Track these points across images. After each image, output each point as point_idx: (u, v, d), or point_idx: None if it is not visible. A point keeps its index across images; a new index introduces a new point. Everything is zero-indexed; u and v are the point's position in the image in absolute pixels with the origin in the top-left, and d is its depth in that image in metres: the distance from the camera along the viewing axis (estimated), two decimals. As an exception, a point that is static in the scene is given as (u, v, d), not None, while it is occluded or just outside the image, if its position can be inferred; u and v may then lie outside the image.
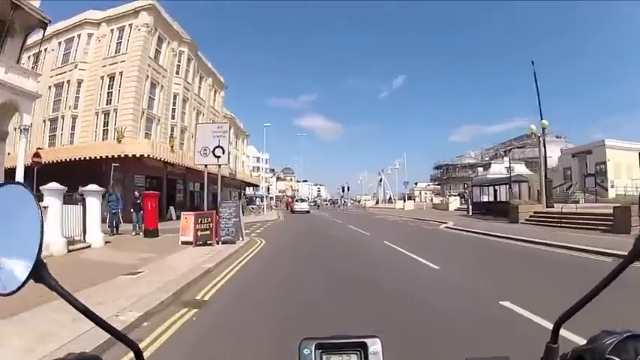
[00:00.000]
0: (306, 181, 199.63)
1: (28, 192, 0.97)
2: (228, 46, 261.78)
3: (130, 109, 39.30)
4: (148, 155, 35.19)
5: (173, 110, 47.36)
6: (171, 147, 41.48)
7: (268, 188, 78.59)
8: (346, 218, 43.86)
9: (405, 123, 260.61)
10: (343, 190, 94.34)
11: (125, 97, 39.64)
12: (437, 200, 77.16)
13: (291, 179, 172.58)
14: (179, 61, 48.47)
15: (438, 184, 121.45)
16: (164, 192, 37.83)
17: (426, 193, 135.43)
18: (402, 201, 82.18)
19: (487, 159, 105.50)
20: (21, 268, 0.91)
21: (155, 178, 40.26)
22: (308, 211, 59.12)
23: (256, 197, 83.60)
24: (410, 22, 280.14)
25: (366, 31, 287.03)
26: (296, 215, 53.90)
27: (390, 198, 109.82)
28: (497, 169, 75.20)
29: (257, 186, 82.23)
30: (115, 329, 1.02)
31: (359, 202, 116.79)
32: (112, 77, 40.70)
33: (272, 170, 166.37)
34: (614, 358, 0.86)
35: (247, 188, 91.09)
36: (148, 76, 41.68)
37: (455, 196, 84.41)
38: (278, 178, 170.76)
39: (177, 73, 47.88)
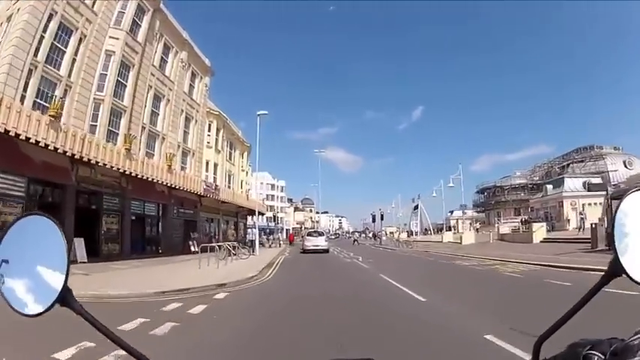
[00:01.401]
0: (326, 212, 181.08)
1: (52, 222, 1.01)
2: (250, 75, 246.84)
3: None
4: None
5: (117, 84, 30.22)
6: (127, 149, 27.69)
7: (275, 217, 57.65)
8: (415, 274, 18.83)
9: (425, 154, 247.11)
10: (374, 220, 72.20)
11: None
12: (502, 229, 55.95)
13: (310, 210, 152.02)
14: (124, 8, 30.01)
15: (481, 211, 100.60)
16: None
17: (463, 222, 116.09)
18: (445, 232, 63.59)
19: (536, 178, 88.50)
20: (48, 293, 0.97)
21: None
22: (326, 250, 37.63)
23: (267, 229, 63.85)
24: (428, 52, 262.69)
25: (384, 63, 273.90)
26: (305, 259, 30.22)
27: (426, 229, 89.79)
28: (573, 185, 64.12)
29: (262, 214, 62.28)
30: (132, 347, 1.03)
31: (391, 234, 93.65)
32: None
33: (290, 200, 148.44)
34: (593, 352, 0.88)
35: (250, 217, 71.78)
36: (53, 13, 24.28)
37: (513, 222, 67.65)
38: (296, 209, 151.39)
39: (119, 24, 29.83)
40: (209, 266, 19.93)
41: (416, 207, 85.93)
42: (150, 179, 29.23)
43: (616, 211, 0.94)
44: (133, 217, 31.36)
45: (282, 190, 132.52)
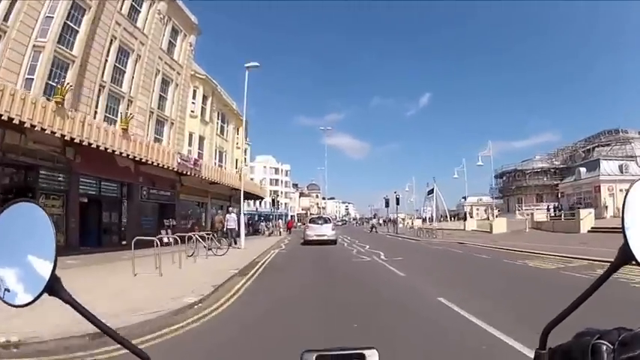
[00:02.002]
0: (333, 198, 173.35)
1: (41, 210, 1.00)
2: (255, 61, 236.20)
3: None
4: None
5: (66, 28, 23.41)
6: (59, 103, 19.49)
7: (274, 202, 50.19)
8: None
9: (431, 141, 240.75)
10: (387, 205, 61.39)
11: None
12: (537, 217, 48.46)
13: (316, 196, 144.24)
14: None
15: (500, 197, 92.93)
16: None
17: (477, 209, 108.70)
18: (468, 219, 59.02)
19: (557, 163, 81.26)
20: (36, 282, 0.94)
21: None
22: (333, 242, 29.33)
23: (259, 216, 56.57)
24: (434, 41, 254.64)
25: (393, 50, 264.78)
26: (305, 256, 21.68)
27: (442, 216, 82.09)
28: (609, 168, 58.36)
29: (261, 198, 54.83)
30: (127, 341, 1.01)
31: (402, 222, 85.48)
32: None
33: (295, 185, 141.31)
34: (601, 342, 0.85)
35: (251, 202, 64.48)
36: None
37: (540, 209, 61.32)
38: (302, 194, 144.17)
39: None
40: (151, 273, 12.45)
41: (430, 191, 77.71)
42: (107, 150, 21.90)
43: (625, 198, 0.91)
44: (85, 200, 24.04)
45: (286, 175, 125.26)
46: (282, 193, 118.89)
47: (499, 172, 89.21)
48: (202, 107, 38.75)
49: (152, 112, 31.77)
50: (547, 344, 1.00)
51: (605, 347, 0.84)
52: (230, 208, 32.42)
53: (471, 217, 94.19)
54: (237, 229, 26.33)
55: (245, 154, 58.33)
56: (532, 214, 51.98)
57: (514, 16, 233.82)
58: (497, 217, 71.88)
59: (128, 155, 24.08)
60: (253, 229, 54.98)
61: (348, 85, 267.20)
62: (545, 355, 0.99)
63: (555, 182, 77.63)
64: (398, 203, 54.97)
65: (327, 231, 29.60)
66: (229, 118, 46.43)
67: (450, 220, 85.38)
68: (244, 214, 30.85)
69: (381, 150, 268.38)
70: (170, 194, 32.87)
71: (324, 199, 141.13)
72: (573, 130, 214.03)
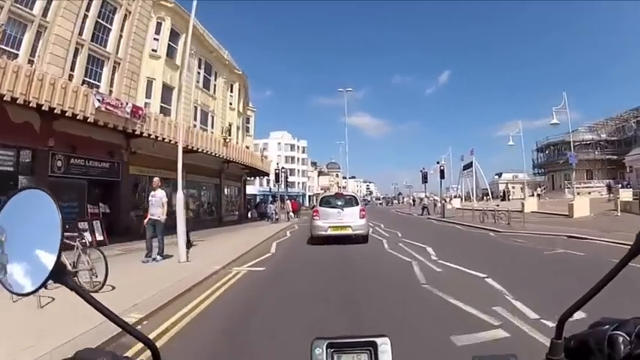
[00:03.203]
0: (354, 177, 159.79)
1: (48, 196, 0.95)
2: (274, 46, 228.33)
3: None
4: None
5: None
6: None
7: (278, 176, 37.12)
8: None
9: (451, 119, 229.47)
10: (424, 180, 47.06)
11: None
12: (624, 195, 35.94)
13: (336, 175, 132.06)
14: None
15: (542, 173, 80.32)
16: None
17: (513, 187, 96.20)
18: (527, 197, 44.51)
19: (604, 135, 69.73)
20: (41, 269, 0.91)
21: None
22: (363, 237, 16.25)
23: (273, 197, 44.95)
24: (452, 16, 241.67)
25: (409, 26, 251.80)
26: (311, 279, 9.67)
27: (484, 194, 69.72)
28: None
29: (266, 174, 43.18)
30: (134, 328, 1.00)
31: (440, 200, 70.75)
32: None
33: (314, 164, 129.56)
34: (618, 332, 0.84)
35: (255, 179, 53.56)
36: None
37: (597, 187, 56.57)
38: (320, 173, 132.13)
39: None
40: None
41: (467, 166, 64.94)
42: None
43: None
44: None
45: (303, 151, 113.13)
46: (298, 171, 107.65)
47: (542, 145, 76.23)
48: (171, 46, 27.11)
49: (81, 45, 20.60)
50: (562, 334, 0.95)
51: (622, 338, 0.81)
52: (156, 179, 20.18)
53: (508, 196, 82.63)
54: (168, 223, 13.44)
55: (248, 123, 46.64)
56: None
57: None
58: (539, 195, 60.90)
59: (28, 103, 14.97)
60: (259, 213, 43.78)
61: (366, 62, 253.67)
62: (560, 345, 0.94)
63: (606, 156, 66.64)
64: (443, 177, 41.23)
65: (352, 219, 16.19)
66: (218, 69, 34.51)
67: (486, 199, 74.02)
68: (259, 196, 19.03)
69: (401, 128, 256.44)
70: (110, 166, 21.55)
71: (344, 178, 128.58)
72: (593, 109, 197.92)
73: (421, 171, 45.70)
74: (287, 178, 42.43)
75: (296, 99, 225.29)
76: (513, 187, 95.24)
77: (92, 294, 0.95)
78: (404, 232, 20.71)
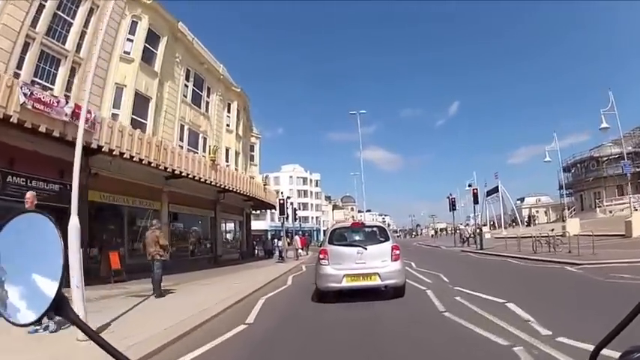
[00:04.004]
0: (369, 210, 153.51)
1: (49, 221, 0.92)
2: (285, 84, 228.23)
3: None
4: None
5: None
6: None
7: (282, 208, 29.84)
8: None
9: (463, 149, 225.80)
10: (452, 207, 40.03)
11: None
12: None
13: (352, 209, 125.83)
14: None
15: (569, 194, 73.77)
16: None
17: (537, 211, 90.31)
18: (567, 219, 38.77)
19: (630, 148, 59.14)
20: (41, 299, 0.87)
21: None
22: (399, 290, 10.10)
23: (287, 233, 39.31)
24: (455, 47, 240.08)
25: (417, 60, 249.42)
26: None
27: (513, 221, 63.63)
28: None
29: (273, 207, 37.10)
30: None
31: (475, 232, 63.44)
32: None
33: (328, 198, 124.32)
34: None
35: (267, 213, 48.62)
36: None
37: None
38: (335, 207, 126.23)
39: None
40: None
41: (490, 191, 58.08)
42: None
43: None
44: None
45: (316, 185, 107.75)
46: (312, 205, 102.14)
47: (568, 164, 69.95)
48: (148, 50, 22.06)
49: (32, 39, 16.17)
50: None
51: None
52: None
53: (534, 220, 76.40)
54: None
55: (252, 151, 41.29)
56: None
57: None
58: (571, 216, 54.82)
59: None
60: (265, 251, 38.03)
61: (377, 98, 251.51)
62: None
63: (637, 169, 58.97)
64: (477, 201, 34.16)
65: (380, 263, 9.97)
66: (212, 84, 29.39)
67: (510, 226, 68.01)
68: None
69: (415, 160, 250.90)
70: (62, 189, 15.75)
71: (360, 211, 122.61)
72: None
73: (448, 197, 39.55)
74: (295, 210, 36.73)
75: (308, 136, 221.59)
76: (537, 212, 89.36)
77: None
78: (447, 273, 14.75)
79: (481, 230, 30.30)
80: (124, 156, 16.55)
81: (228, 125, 31.45)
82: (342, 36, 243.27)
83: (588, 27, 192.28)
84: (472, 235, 32.04)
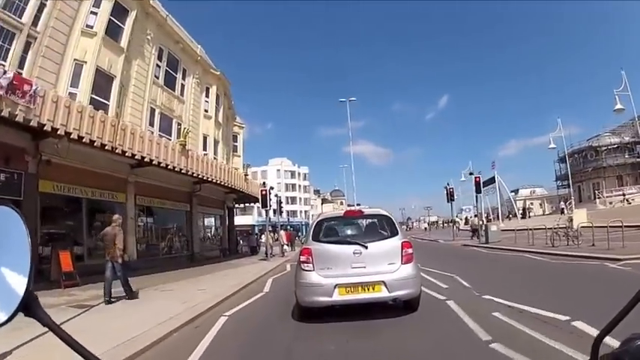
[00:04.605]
0: (359, 204, 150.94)
1: (17, 214, 0.87)
2: (274, 79, 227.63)
3: None
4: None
5: None
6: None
7: (264, 200, 26.64)
8: None
9: (454, 143, 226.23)
10: (450, 198, 37.66)
11: None
12: None
13: (341, 202, 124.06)
14: None
15: (565, 185, 72.21)
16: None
17: (532, 203, 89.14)
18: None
19: (627, 138, 60.45)
20: (9, 300, 0.81)
21: None
22: (412, 306, 7.70)
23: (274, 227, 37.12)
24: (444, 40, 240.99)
25: (407, 53, 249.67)
26: None
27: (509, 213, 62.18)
28: None
29: (257, 200, 34.67)
30: None
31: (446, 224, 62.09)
32: None
33: (317, 192, 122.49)
34: None
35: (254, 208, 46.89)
36: None
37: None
38: (324, 201, 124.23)
39: None
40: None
41: (487, 182, 55.95)
42: None
43: None
44: None
45: (305, 178, 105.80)
46: (300, 199, 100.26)
47: (565, 154, 68.33)
48: (113, 23, 19.84)
49: None
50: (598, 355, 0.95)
51: None
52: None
53: (529, 212, 75.15)
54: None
55: (235, 141, 39.12)
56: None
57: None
58: (563, 210, 53.76)
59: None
60: (250, 248, 36.01)
61: (366, 92, 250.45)
62: None
63: (637, 159, 58.04)
64: (479, 190, 31.20)
65: (385, 267, 7.36)
66: (188, 66, 27.17)
67: (507, 218, 66.73)
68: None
69: (405, 154, 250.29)
70: (7, 179, 13.55)
71: (349, 205, 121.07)
72: (592, 121, 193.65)
73: (446, 187, 37.35)
74: (280, 202, 34.47)
75: (297, 130, 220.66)
76: (532, 204, 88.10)
77: None
78: (463, 274, 12.24)
79: (487, 222, 28.60)
80: (83, 140, 14.39)
81: (206, 111, 29.29)
82: (331, 30, 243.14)
83: (579, 17, 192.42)
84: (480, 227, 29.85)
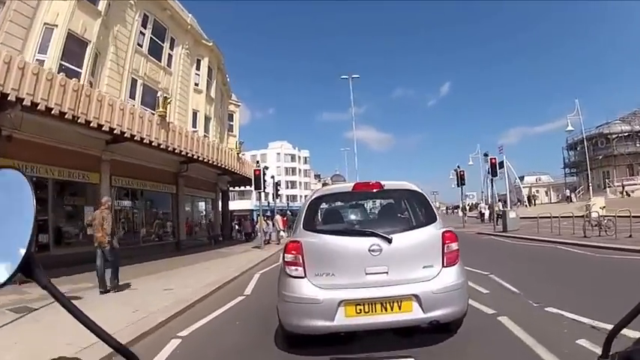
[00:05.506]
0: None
1: (23, 178, 0.87)
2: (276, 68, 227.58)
3: None
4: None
5: None
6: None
7: (257, 181, 24.51)
8: None
9: (454, 130, 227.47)
10: (461, 182, 34.51)
11: None
12: None
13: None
14: None
15: (573, 173, 70.39)
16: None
17: (537, 191, 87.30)
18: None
19: (638, 127, 58.78)
20: (9, 260, 0.80)
21: None
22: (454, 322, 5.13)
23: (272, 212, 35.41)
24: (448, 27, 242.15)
25: (410, 40, 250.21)
26: None
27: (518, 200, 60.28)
28: None
29: (241, 185, 33.35)
30: (115, 340, 0.90)
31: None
32: None
33: (318, 177, 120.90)
34: None
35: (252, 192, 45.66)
36: None
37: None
38: (325, 185, 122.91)
39: None
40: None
41: (494, 167, 54.32)
42: None
43: None
44: None
45: (305, 162, 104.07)
46: (300, 183, 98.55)
47: (574, 141, 66.21)
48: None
49: None
50: (610, 352, 0.93)
51: None
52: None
53: (535, 200, 73.25)
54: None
55: (231, 120, 37.29)
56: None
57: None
58: (568, 198, 52.74)
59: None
60: (245, 234, 34.54)
61: (368, 78, 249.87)
62: None
63: None
64: (495, 174, 28.96)
65: (418, 273, 4.79)
66: (177, 36, 25.15)
67: (516, 205, 64.90)
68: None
69: (406, 140, 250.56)
70: None
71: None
72: (597, 109, 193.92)
73: (456, 170, 34.98)
74: (277, 185, 32.69)
75: (299, 115, 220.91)
76: (537, 191, 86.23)
77: None
78: (502, 273, 9.79)
79: (505, 209, 26.80)
80: (53, 112, 12.51)
81: (196, 84, 27.32)
82: (332, 16, 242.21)
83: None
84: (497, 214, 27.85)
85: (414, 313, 4.60)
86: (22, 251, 0.77)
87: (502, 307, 6.67)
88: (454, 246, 5.00)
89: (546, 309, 6.45)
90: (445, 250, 4.91)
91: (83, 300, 8.76)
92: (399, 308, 4.60)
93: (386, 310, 4.60)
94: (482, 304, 6.88)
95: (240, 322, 7.10)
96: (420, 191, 5.61)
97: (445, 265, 4.87)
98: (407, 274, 4.73)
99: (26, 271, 0.78)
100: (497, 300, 7.25)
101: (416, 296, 4.60)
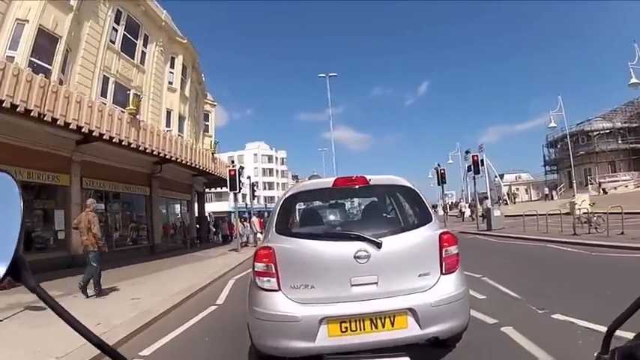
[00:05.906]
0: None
1: (11, 179, 0.88)
2: (250, 58, 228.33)
3: None
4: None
5: None
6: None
7: (233, 181, 23.87)
8: None
9: (433, 130, 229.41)
10: (442, 180, 31.80)
11: None
12: None
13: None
14: None
15: (554, 170, 71.53)
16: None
17: (517, 189, 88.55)
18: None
19: (619, 124, 59.97)
20: None
21: None
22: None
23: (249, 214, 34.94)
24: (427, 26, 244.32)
25: (388, 40, 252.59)
26: None
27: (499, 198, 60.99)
28: None
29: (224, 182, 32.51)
30: (106, 344, 0.89)
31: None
32: None
33: (295, 177, 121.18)
34: None
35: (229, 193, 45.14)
36: None
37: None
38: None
39: None
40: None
41: (477, 165, 54.55)
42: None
43: None
44: None
45: (282, 163, 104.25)
46: (277, 184, 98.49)
47: (554, 138, 67.05)
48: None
49: None
50: (609, 348, 0.92)
51: None
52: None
53: (514, 198, 74.19)
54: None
55: (206, 120, 37.00)
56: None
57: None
58: (547, 196, 54.42)
59: None
60: (222, 236, 34.38)
61: (346, 78, 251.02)
62: None
63: (630, 145, 58.01)
64: (477, 171, 28.23)
65: (414, 282, 4.19)
66: (150, 32, 24.79)
67: (497, 203, 65.54)
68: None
69: (385, 140, 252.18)
70: None
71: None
72: (576, 107, 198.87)
73: (436, 168, 34.37)
74: (254, 185, 32.29)
75: (276, 115, 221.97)
76: (517, 189, 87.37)
77: None
78: (494, 275, 9.45)
79: (490, 206, 26.79)
80: (18, 110, 12.12)
81: (170, 83, 26.98)
82: (310, 16, 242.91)
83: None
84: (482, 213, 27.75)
85: (409, 330, 4.03)
86: (10, 254, 0.76)
87: (504, 315, 6.24)
88: (453, 250, 4.43)
89: (553, 316, 6.06)
90: (443, 255, 4.36)
91: (46, 311, 8.33)
92: (392, 325, 4.02)
93: (376, 327, 4.01)
94: (480, 312, 6.32)
95: (209, 338, 6.53)
96: (412, 187, 4.99)
97: (444, 272, 4.34)
98: (400, 285, 4.18)
99: (14, 274, 0.77)
100: (497, 307, 6.81)
101: (411, 310, 4.05)
